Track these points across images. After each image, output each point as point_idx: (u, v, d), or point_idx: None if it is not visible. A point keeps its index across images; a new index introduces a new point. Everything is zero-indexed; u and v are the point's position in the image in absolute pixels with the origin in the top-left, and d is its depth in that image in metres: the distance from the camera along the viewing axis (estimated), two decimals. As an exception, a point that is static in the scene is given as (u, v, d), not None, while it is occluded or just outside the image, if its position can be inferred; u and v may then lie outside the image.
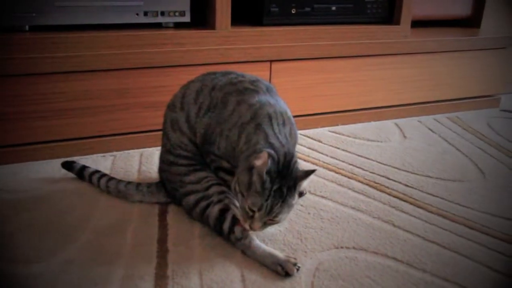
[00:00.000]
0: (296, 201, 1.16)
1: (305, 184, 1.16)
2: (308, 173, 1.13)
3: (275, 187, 1.10)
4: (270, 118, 1.20)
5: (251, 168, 1.11)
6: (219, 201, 1.23)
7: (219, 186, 1.26)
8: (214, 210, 1.22)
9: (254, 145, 1.16)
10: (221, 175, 1.27)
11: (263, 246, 1.17)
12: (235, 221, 1.19)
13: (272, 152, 1.12)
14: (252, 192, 1.10)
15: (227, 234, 1.19)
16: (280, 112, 1.22)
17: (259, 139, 1.16)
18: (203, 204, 1.24)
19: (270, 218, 1.13)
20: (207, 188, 1.25)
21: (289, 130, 1.22)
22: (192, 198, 1.27)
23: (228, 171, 1.24)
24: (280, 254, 1.14)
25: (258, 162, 1.09)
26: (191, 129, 1.29)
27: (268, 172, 1.09)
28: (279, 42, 1.87)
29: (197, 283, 1.06)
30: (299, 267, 1.12)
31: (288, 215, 1.16)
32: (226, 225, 1.19)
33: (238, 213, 1.17)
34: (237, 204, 1.19)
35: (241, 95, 1.25)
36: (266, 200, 1.10)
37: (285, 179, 1.11)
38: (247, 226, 1.14)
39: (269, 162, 1.09)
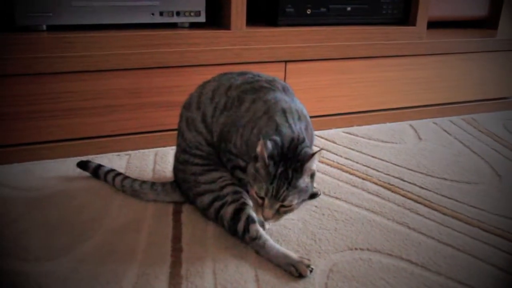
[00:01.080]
0: (308, 185, 1.15)
1: (313, 167, 1.15)
2: (313, 154, 1.13)
3: (280, 170, 1.10)
4: (284, 112, 1.20)
5: (255, 157, 1.12)
6: (234, 201, 1.23)
7: (233, 186, 1.26)
8: (229, 211, 1.22)
9: (265, 135, 1.16)
10: (237, 174, 1.27)
11: (277, 246, 1.16)
12: (249, 221, 1.19)
13: (275, 138, 1.13)
14: (257, 179, 1.12)
15: (241, 234, 1.19)
16: (295, 109, 1.23)
17: (269, 130, 1.17)
18: (217, 204, 1.25)
19: (281, 204, 1.12)
20: (222, 188, 1.25)
21: (305, 126, 1.22)
22: (206, 198, 1.27)
23: (244, 170, 1.24)
24: (293, 255, 1.14)
25: (257, 149, 1.11)
26: (207, 128, 1.29)
27: (270, 157, 1.10)
28: (294, 42, 1.87)
29: (211, 282, 1.07)
30: (312, 268, 1.11)
31: (299, 201, 1.15)
32: (240, 225, 1.19)
33: (253, 205, 1.18)
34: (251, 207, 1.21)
35: (256, 93, 1.26)
36: (271, 183, 1.10)
37: (290, 162, 1.12)
38: (260, 216, 1.15)
39: (270, 146, 1.10)
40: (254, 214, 1.20)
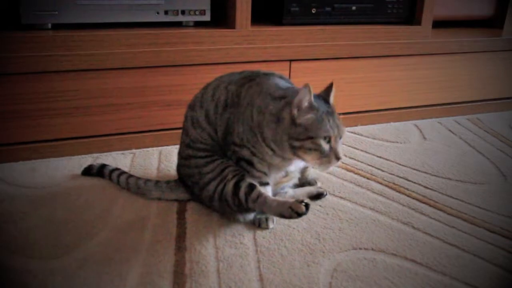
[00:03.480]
0: None
1: (332, 97, 1.26)
2: (329, 86, 1.26)
3: (322, 109, 1.18)
4: (277, 85, 1.26)
5: (293, 117, 1.17)
6: (234, 176, 1.25)
7: (234, 167, 1.28)
8: (230, 186, 1.24)
9: (266, 107, 1.21)
10: (242, 167, 1.28)
11: (276, 198, 1.23)
12: (250, 186, 1.23)
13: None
14: (317, 125, 1.16)
15: (244, 200, 1.23)
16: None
17: (267, 101, 1.22)
18: (220, 187, 1.26)
19: (340, 136, 1.20)
20: (223, 170, 1.27)
21: None
22: (211, 187, 1.28)
23: (248, 161, 1.26)
24: (291, 200, 1.21)
25: (302, 103, 1.16)
26: (211, 125, 1.30)
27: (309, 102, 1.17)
28: (299, 41, 1.87)
29: (215, 281, 1.07)
30: (307, 203, 1.19)
31: None
32: (242, 193, 1.23)
33: (317, 163, 1.19)
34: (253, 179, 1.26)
35: (252, 81, 1.29)
36: (328, 121, 1.17)
37: (316, 100, 1.20)
38: (334, 161, 1.18)
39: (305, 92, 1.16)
40: (254, 182, 1.24)
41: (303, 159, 1.20)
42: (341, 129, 1.20)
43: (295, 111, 1.16)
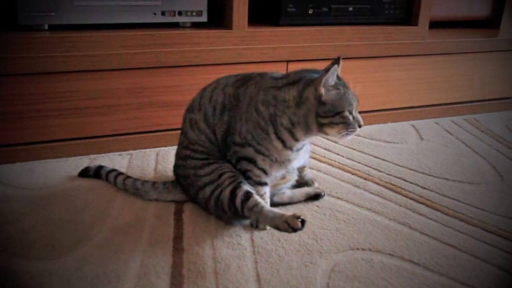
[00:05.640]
0: None
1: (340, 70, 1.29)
2: (337, 59, 1.28)
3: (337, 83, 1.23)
4: (273, 76, 1.29)
5: (319, 96, 1.20)
6: (231, 183, 1.25)
7: (231, 173, 1.28)
8: (226, 193, 1.24)
9: (274, 98, 1.24)
10: (243, 166, 1.28)
11: (273, 209, 1.24)
12: (246, 194, 1.23)
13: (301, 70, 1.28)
14: (342, 100, 1.21)
15: (240, 208, 1.23)
16: None
17: (269, 98, 1.24)
18: (216, 192, 1.26)
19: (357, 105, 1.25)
20: (220, 176, 1.27)
21: None
22: (207, 190, 1.28)
23: (250, 159, 1.26)
24: (288, 213, 1.22)
25: (329, 82, 1.20)
26: (210, 127, 1.31)
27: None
28: (295, 42, 1.87)
29: (212, 282, 1.07)
30: (303, 219, 1.22)
31: None
32: (238, 201, 1.23)
33: (341, 134, 1.23)
34: (250, 186, 1.27)
35: (248, 82, 1.31)
36: (348, 93, 1.23)
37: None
38: (357, 128, 1.23)
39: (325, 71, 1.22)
40: (251, 189, 1.25)
41: (326, 134, 1.24)
42: (356, 97, 1.25)
43: (322, 90, 1.19)
